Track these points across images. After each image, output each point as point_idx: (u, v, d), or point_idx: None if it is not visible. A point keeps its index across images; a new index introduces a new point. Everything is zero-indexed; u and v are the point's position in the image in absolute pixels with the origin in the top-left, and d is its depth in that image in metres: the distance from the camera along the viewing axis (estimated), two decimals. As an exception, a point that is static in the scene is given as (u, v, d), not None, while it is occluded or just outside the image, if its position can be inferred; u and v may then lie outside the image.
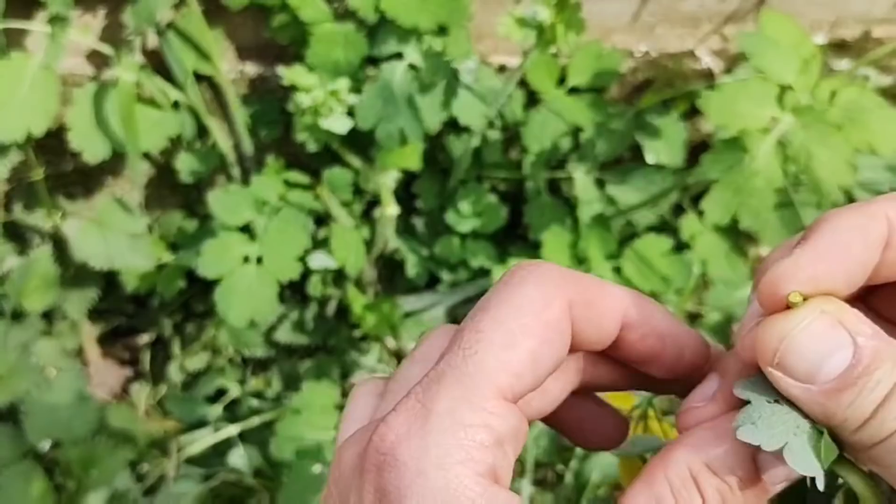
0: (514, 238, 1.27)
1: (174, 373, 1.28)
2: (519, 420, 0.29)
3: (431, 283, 1.24)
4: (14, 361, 1.10)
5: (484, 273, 1.19)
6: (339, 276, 1.21)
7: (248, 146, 1.15)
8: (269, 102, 1.12)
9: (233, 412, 1.25)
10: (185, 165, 1.11)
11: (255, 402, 1.23)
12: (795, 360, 0.28)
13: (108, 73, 1.05)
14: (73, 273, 1.18)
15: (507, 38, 0.90)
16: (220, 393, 1.26)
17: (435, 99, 1.02)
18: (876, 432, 0.27)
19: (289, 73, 0.98)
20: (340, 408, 1.09)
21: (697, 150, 1.01)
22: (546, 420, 0.35)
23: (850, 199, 1.00)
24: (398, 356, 1.31)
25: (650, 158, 1.10)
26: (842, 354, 0.27)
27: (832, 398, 0.27)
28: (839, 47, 1.16)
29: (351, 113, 0.99)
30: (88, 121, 1.01)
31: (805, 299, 0.29)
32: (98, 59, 1.06)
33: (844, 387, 0.27)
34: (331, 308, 1.26)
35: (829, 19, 1.14)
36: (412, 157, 1.08)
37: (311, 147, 1.03)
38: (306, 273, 1.13)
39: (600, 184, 1.13)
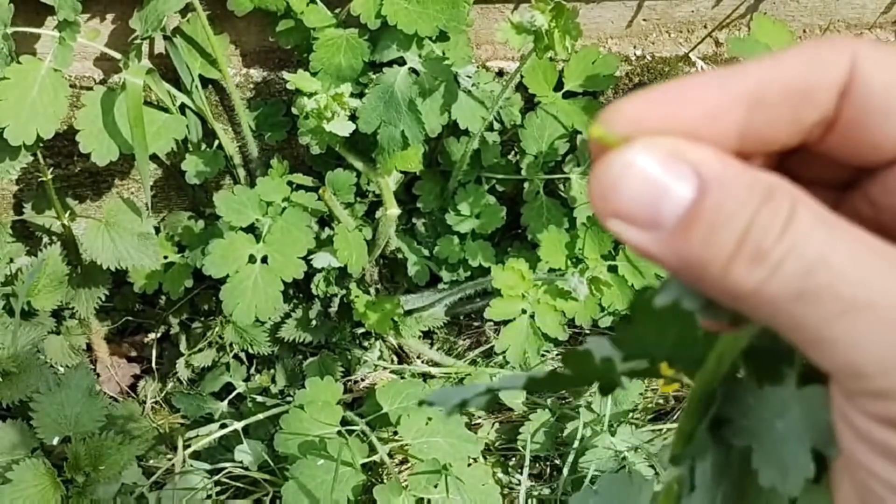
0: (513, 238, 1.28)
1: (181, 369, 1.29)
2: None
3: (432, 281, 1.26)
4: (24, 359, 1.11)
5: (483, 272, 1.21)
6: (341, 276, 1.22)
7: (253, 149, 1.16)
8: (274, 106, 1.14)
9: (238, 408, 1.26)
10: (192, 167, 1.13)
11: (259, 398, 1.24)
12: (630, 205, 0.24)
13: (116, 77, 1.07)
14: (81, 272, 1.20)
15: (505, 43, 0.92)
16: (226, 389, 1.27)
17: (435, 103, 1.03)
18: (744, 275, 0.23)
19: (293, 78, 0.99)
20: (343, 404, 1.11)
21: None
22: None
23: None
24: (399, 353, 1.33)
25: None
26: (681, 188, 0.23)
27: (681, 239, 0.23)
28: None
29: (353, 116, 1.00)
30: (97, 124, 1.02)
31: None
32: (106, 64, 1.07)
33: (691, 223, 0.23)
34: (334, 306, 1.28)
35: (821, 24, 1.16)
36: (413, 160, 1.09)
37: (315, 150, 1.04)
38: (310, 272, 1.15)
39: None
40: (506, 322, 1.12)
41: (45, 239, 1.17)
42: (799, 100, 0.25)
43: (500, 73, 1.14)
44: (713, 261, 0.23)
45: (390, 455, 1.10)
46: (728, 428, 0.28)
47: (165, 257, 1.19)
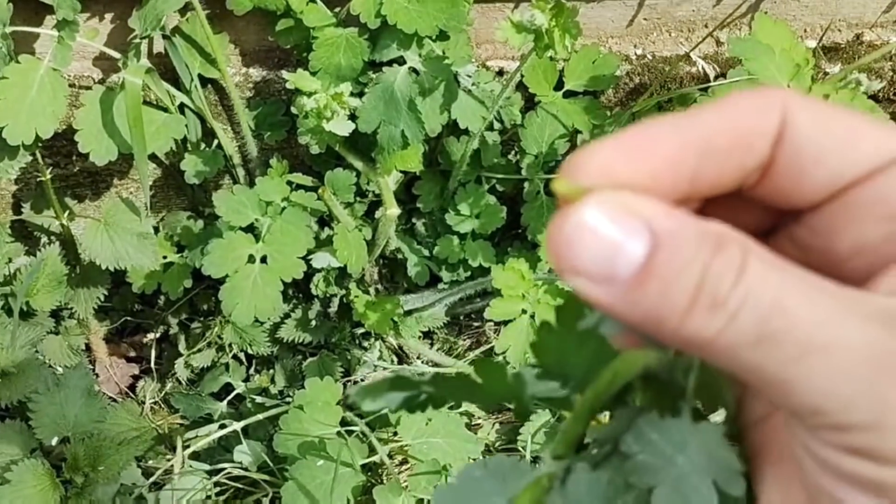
0: (513, 238, 1.28)
1: (180, 370, 1.29)
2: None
3: (432, 281, 1.26)
4: (23, 359, 1.11)
5: (483, 272, 1.20)
6: (341, 276, 1.22)
7: (252, 148, 1.16)
8: (273, 105, 1.14)
9: (237, 408, 1.26)
10: (191, 167, 1.13)
11: (259, 399, 1.24)
12: (585, 261, 0.24)
13: (115, 76, 1.06)
14: (80, 272, 1.20)
15: (505, 42, 0.92)
16: (225, 389, 1.27)
17: (435, 102, 1.03)
18: (702, 325, 0.24)
19: (293, 77, 0.99)
20: (342, 404, 1.11)
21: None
22: None
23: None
24: (399, 353, 1.32)
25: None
26: (635, 243, 0.24)
27: (637, 294, 0.24)
28: (831, 51, 1.18)
29: (353, 116, 1.00)
30: (96, 123, 1.01)
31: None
32: (105, 63, 1.07)
33: (646, 277, 0.24)
34: (333, 306, 1.28)
35: (822, 24, 1.16)
36: (413, 159, 1.09)
37: (315, 149, 1.04)
38: (310, 272, 1.15)
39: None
40: (506, 322, 1.12)
41: (44, 239, 1.17)
42: (742, 147, 0.26)
43: (501, 73, 1.14)
44: (670, 313, 0.24)
45: (390, 455, 1.10)
46: (629, 463, 0.28)
47: (164, 257, 1.19)
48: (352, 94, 0.99)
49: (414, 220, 1.26)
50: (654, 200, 0.25)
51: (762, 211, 0.29)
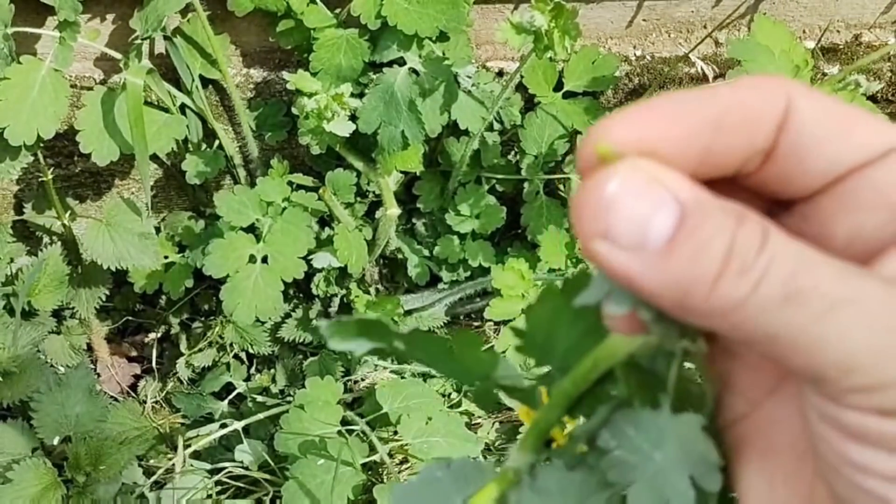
0: (513, 238, 1.28)
1: (181, 369, 1.29)
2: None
3: (432, 281, 1.26)
4: (25, 359, 1.11)
5: (483, 272, 1.21)
6: (342, 275, 1.23)
7: (253, 149, 1.16)
8: (274, 106, 1.14)
9: (238, 408, 1.26)
10: (192, 167, 1.13)
11: (260, 398, 1.25)
12: (615, 227, 0.25)
13: (116, 77, 1.07)
14: (82, 272, 1.20)
15: (505, 43, 0.92)
16: (226, 389, 1.27)
17: (435, 103, 1.03)
18: (732, 290, 0.24)
19: (293, 78, 0.99)
20: (343, 403, 1.11)
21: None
22: None
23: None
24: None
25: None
26: (665, 212, 0.24)
27: (669, 260, 0.24)
28: (830, 52, 1.18)
29: (354, 116, 1.01)
30: (97, 124, 1.02)
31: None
32: (107, 64, 1.08)
33: (679, 244, 0.24)
34: (334, 306, 1.28)
35: (821, 25, 1.16)
36: (413, 160, 1.09)
37: (315, 150, 1.04)
38: (310, 272, 1.15)
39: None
40: (506, 322, 1.12)
41: (46, 239, 1.17)
42: (750, 128, 0.27)
43: (500, 74, 1.14)
44: (701, 279, 0.24)
45: (390, 455, 1.11)
46: (605, 459, 0.28)
47: (166, 257, 1.19)
48: (352, 95, 0.99)
49: (414, 220, 1.26)
50: (678, 172, 0.25)
51: (753, 199, 0.29)
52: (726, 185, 0.28)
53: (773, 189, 0.28)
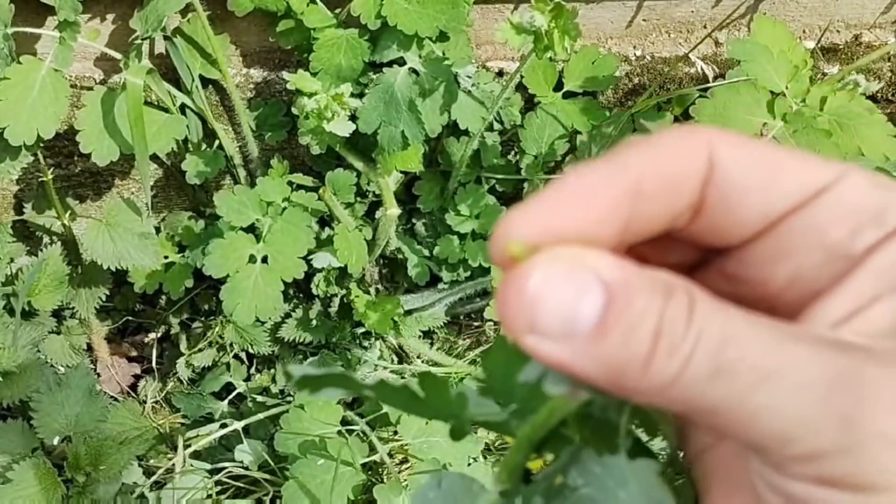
0: (513, 238, 1.28)
1: (181, 369, 1.29)
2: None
3: (432, 281, 1.26)
4: (24, 359, 1.11)
5: (483, 272, 1.21)
6: (342, 276, 1.23)
7: (253, 149, 1.16)
8: (274, 106, 1.14)
9: (238, 408, 1.26)
10: (192, 167, 1.13)
11: (260, 398, 1.25)
12: (542, 320, 0.24)
13: (116, 77, 1.07)
14: (82, 272, 1.20)
15: (505, 43, 0.92)
16: (226, 389, 1.27)
17: (435, 103, 1.03)
18: (663, 370, 0.24)
19: (293, 78, 0.99)
20: (343, 403, 1.11)
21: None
22: None
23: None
24: (399, 353, 1.33)
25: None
26: (591, 297, 0.24)
27: (599, 346, 0.24)
28: (830, 52, 1.18)
29: (354, 116, 1.01)
30: (97, 124, 1.02)
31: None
32: (107, 64, 1.08)
33: (608, 329, 0.24)
34: (334, 306, 1.28)
35: (820, 25, 1.16)
36: (413, 160, 1.09)
37: (315, 150, 1.04)
38: (310, 272, 1.15)
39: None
40: (506, 322, 1.12)
41: (46, 239, 1.17)
42: (671, 190, 0.26)
43: (500, 74, 1.14)
44: (632, 362, 0.24)
45: (390, 455, 1.11)
46: (573, 496, 0.28)
47: (166, 257, 1.19)
48: (352, 95, 0.99)
49: (414, 220, 1.26)
50: (600, 252, 0.25)
51: (689, 248, 0.29)
52: (661, 238, 0.28)
53: (708, 240, 0.28)
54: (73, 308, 1.20)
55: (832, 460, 0.23)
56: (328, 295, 1.25)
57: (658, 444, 0.29)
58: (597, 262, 0.24)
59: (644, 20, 1.14)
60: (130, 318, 1.35)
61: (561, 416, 0.28)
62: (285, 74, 1.10)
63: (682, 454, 0.30)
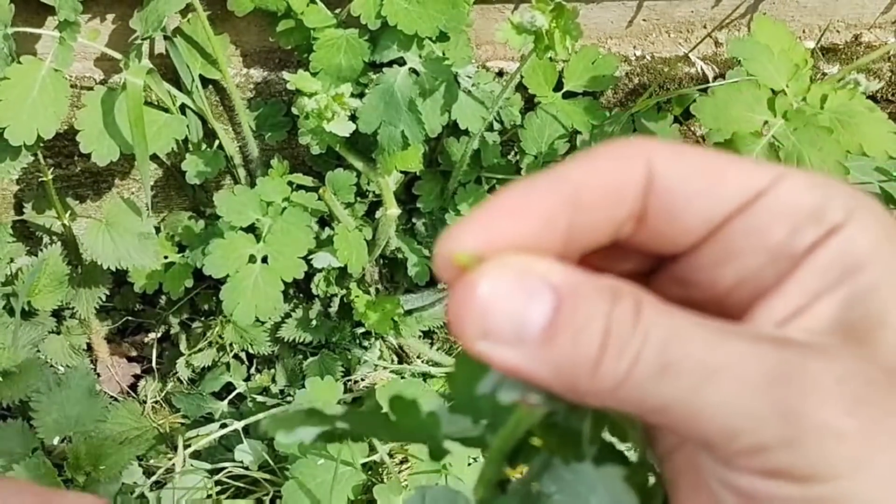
0: (513, 238, 1.28)
1: (181, 369, 1.29)
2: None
3: (432, 281, 1.26)
4: (24, 359, 1.11)
5: (483, 272, 1.20)
6: (342, 275, 1.22)
7: (253, 149, 1.16)
8: (274, 106, 1.14)
9: (238, 407, 1.26)
10: (192, 167, 1.13)
11: (260, 398, 1.25)
12: (492, 325, 0.25)
13: (116, 77, 1.07)
14: (82, 272, 1.20)
15: (505, 43, 0.92)
16: (226, 389, 1.27)
17: (435, 103, 1.03)
18: (613, 370, 0.24)
19: (293, 78, 0.99)
20: (343, 403, 1.11)
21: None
22: None
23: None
24: (399, 353, 1.33)
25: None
26: (541, 301, 0.25)
27: (549, 349, 0.24)
28: (830, 52, 1.18)
29: (354, 116, 1.00)
30: (97, 124, 1.02)
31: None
32: (107, 64, 1.08)
33: (557, 332, 0.24)
34: (334, 306, 1.28)
35: (820, 25, 1.16)
36: (413, 160, 1.09)
37: (315, 150, 1.04)
38: (310, 272, 1.15)
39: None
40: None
41: (46, 239, 1.17)
42: (611, 200, 0.27)
43: (501, 74, 1.14)
44: (582, 364, 0.24)
45: (390, 455, 1.11)
46: (547, 503, 0.29)
47: (166, 257, 1.19)
48: (352, 95, 0.99)
49: (414, 220, 1.26)
50: (547, 259, 0.26)
51: (640, 256, 0.30)
52: (610, 247, 0.29)
53: (654, 247, 0.29)
54: (73, 308, 1.20)
55: (775, 453, 0.24)
56: (328, 295, 1.25)
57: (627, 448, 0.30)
58: (545, 268, 0.25)
59: (644, 20, 1.14)
60: (130, 318, 1.35)
61: (526, 426, 0.28)
62: (285, 74, 1.10)
63: (651, 455, 0.30)
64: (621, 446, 0.29)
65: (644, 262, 0.30)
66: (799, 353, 0.24)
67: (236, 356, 1.30)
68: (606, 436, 0.29)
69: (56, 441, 1.10)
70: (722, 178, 0.27)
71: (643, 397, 0.24)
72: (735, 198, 0.27)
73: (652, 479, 0.29)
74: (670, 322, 0.25)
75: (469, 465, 1.08)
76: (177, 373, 1.30)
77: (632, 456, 0.29)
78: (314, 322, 1.26)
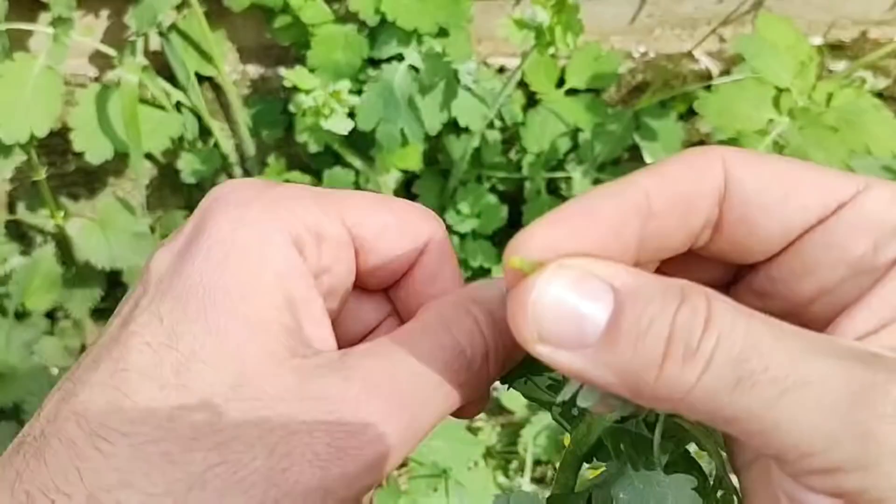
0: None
1: (176, 371, 1.28)
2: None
3: (432, 282, 1.25)
4: (17, 360, 1.11)
5: (483, 272, 1.20)
6: (340, 276, 1.21)
7: (249, 146, 1.16)
8: (271, 103, 1.13)
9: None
10: (188, 166, 1.12)
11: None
12: (554, 328, 0.24)
13: (110, 74, 1.06)
14: (75, 272, 1.19)
15: (506, 39, 0.91)
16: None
17: (435, 100, 1.03)
18: (679, 376, 0.23)
19: (290, 75, 0.98)
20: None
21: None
22: None
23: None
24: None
25: (648, 159, 1.11)
26: (600, 303, 0.24)
27: (611, 353, 0.24)
28: (836, 49, 1.17)
29: (352, 114, 1.00)
30: (91, 122, 1.02)
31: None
32: (101, 61, 1.07)
33: (617, 336, 0.24)
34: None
35: (826, 21, 1.15)
36: (412, 158, 1.08)
37: (313, 147, 1.04)
38: (308, 272, 1.14)
39: (598, 184, 1.13)
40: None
41: (39, 239, 1.17)
42: (684, 209, 0.27)
43: (501, 70, 1.13)
44: (645, 368, 0.24)
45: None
46: None
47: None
48: (350, 92, 0.99)
49: (413, 220, 1.25)
50: (611, 262, 0.25)
51: (719, 266, 0.30)
52: (689, 256, 0.28)
53: (731, 257, 0.28)
54: (67, 309, 1.19)
55: (849, 475, 0.23)
56: (326, 295, 1.24)
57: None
58: (606, 270, 0.25)
59: (648, 16, 1.13)
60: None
61: (598, 432, 0.29)
62: (282, 71, 1.09)
63: (728, 466, 0.30)
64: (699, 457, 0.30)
65: (723, 272, 0.30)
66: (883, 372, 0.23)
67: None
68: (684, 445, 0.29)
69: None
70: (801, 187, 0.27)
71: (713, 406, 0.24)
72: (814, 209, 0.26)
73: (722, 490, 0.30)
74: (746, 327, 0.24)
75: (469, 469, 1.07)
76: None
77: (709, 466, 0.29)
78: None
